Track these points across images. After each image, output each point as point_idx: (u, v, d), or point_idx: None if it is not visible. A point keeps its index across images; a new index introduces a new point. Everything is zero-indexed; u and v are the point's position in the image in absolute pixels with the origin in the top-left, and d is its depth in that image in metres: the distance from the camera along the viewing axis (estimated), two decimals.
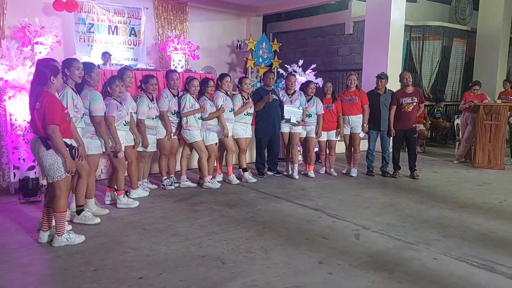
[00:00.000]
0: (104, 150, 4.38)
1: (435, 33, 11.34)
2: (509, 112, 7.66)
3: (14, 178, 5.10)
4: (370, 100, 6.49)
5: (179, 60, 9.84)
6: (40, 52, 7.75)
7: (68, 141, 3.59)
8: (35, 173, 5.12)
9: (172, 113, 5.50)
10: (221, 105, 5.70)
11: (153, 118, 5.27)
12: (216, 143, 5.85)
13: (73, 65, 3.90)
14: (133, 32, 9.68)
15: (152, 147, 5.37)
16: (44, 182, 5.15)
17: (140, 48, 9.81)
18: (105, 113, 4.34)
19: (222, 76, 5.97)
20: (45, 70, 3.45)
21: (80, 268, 3.24)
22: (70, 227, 3.93)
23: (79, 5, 8.85)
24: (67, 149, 3.51)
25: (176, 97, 5.55)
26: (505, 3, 10.99)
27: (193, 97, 5.53)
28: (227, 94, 5.89)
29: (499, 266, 3.37)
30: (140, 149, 5.20)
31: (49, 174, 3.53)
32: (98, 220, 4.25)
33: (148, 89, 5.22)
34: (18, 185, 5.02)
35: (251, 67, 10.83)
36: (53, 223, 3.74)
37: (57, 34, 8.20)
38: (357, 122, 6.49)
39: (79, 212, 4.24)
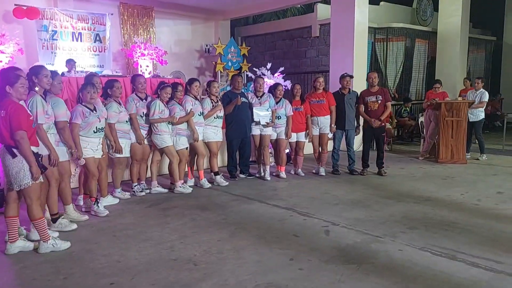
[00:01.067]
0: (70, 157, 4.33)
1: (398, 35, 11.72)
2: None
3: None
4: (336, 100, 6.65)
5: (147, 66, 9.76)
6: (1, 61, 7.54)
7: (34, 149, 3.56)
8: (1, 184, 4.97)
9: (140, 115, 5.47)
10: (191, 109, 5.71)
11: (126, 121, 5.24)
12: (187, 148, 5.85)
13: (41, 72, 3.92)
14: (98, 39, 9.54)
15: (127, 152, 5.32)
16: None
17: (105, 55, 9.67)
18: (70, 119, 4.32)
19: (191, 81, 6.00)
20: (2, 79, 3.45)
21: (48, 278, 3.19)
22: (56, 234, 3.97)
23: (40, 12, 8.66)
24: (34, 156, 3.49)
25: (144, 100, 5.53)
26: (463, 5, 11.45)
27: (162, 103, 5.52)
28: (196, 98, 5.92)
29: (460, 254, 3.53)
30: (116, 155, 5.15)
31: (16, 182, 3.50)
32: (75, 226, 4.25)
33: (114, 93, 5.18)
34: None
35: (220, 71, 10.86)
36: (21, 232, 3.74)
37: (18, 42, 8.00)
38: (325, 123, 6.63)
39: (54, 220, 4.21)
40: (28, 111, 3.61)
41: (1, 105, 3.42)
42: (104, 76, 7.33)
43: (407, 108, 10.90)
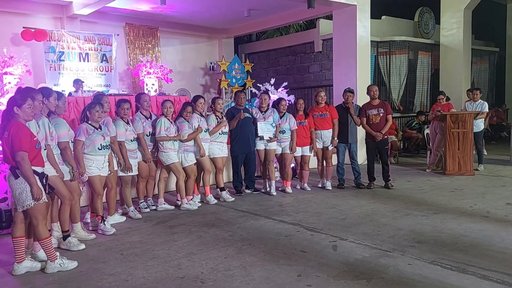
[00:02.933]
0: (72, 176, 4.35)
1: (401, 47, 11.78)
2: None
3: None
4: (339, 114, 6.67)
5: (153, 84, 9.88)
6: (9, 82, 7.66)
7: (38, 169, 3.60)
8: (8, 204, 5.00)
9: (146, 135, 5.53)
10: (198, 125, 5.77)
11: (131, 140, 5.29)
12: (195, 163, 5.88)
13: (52, 95, 4.10)
14: (104, 59, 9.68)
15: (134, 170, 5.37)
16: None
17: (112, 74, 9.80)
18: (74, 136, 4.44)
19: (196, 98, 6.08)
20: (11, 100, 3.56)
21: None
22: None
23: (48, 34, 8.82)
24: (36, 176, 3.53)
25: (149, 119, 5.59)
26: (464, 17, 11.56)
27: (168, 119, 5.57)
28: (201, 115, 5.97)
29: (470, 267, 3.49)
30: (124, 173, 5.19)
31: (18, 203, 3.55)
32: (83, 246, 4.24)
33: (120, 113, 5.26)
34: None
35: (225, 88, 10.95)
36: (27, 252, 3.76)
37: (26, 64, 8.14)
38: (329, 136, 6.63)
39: (65, 237, 4.26)
40: (33, 132, 3.64)
41: (6, 126, 3.50)
42: (110, 95, 7.42)
43: (421, 122, 10.84)
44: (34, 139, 3.59)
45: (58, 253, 3.77)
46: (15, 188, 3.52)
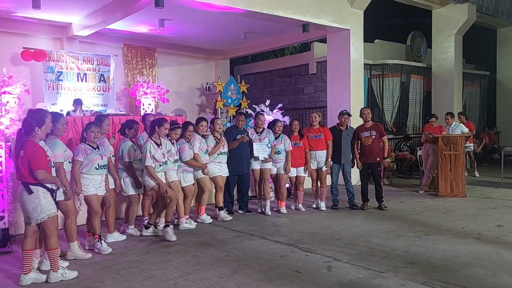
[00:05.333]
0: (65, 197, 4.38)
1: (394, 70, 12.06)
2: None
3: None
4: (333, 135, 6.80)
5: (149, 104, 10.00)
6: (8, 102, 7.72)
7: (49, 185, 3.87)
8: (4, 223, 5.03)
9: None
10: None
11: (139, 160, 5.37)
12: (193, 184, 5.95)
13: (60, 121, 4.36)
14: (102, 79, 9.81)
15: (140, 189, 5.50)
16: (13, 232, 5.13)
17: (109, 94, 9.92)
18: (72, 157, 4.56)
19: (199, 120, 6.19)
20: (31, 120, 3.82)
21: None
22: (66, 263, 4.21)
23: (47, 54, 8.96)
24: (47, 192, 3.83)
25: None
26: (455, 41, 11.87)
27: (155, 144, 5.25)
28: (203, 137, 6.07)
29: None
30: (130, 192, 5.35)
31: (32, 217, 3.81)
32: (75, 274, 4.06)
33: (130, 133, 5.49)
34: None
35: (220, 108, 11.10)
36: (35, 265, 4.01)
37: (25, 83, 8.23)
38: (323, 157, 6.74)
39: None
40: (46, 152, 3.89)
41: (22, 145, 3.75)
42: (109, 115, 7.51)
43: (407, 144, 11.05)
44: (47, 158, 3.86)
45: (60, 264, 3.99)
46: (29, 203, 3.77)
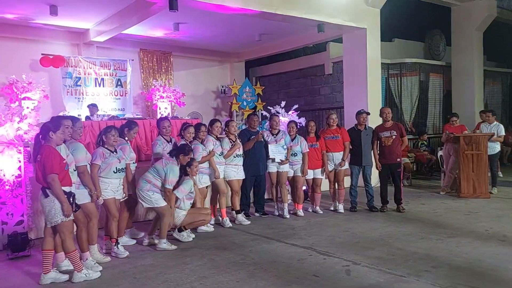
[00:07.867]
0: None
1: (412, 69, 11.82)
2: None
3: (2, 233, 5.05)
4: (351, 136, 6.68)
5: (165, 108, 10.05)
6: (28, 107, 7.89)
7: (67, 188, 3.94)
8: (24, 227, 5.09)
9: None
10: (212, 149, 5.83)
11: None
12: (207, 186, 5.92)
13: (76, 124, 4.44)
14: (119, 83, 9.92)
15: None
16: (33, 236, 5.20)
17: (126, 98, 10.02)
18: (90, 160, 4.54)
19: (213, 122, 6.16)
20: (48, 125, 3.96)
21: None
22: (108, 258, 4.52)
23: (66, 60, 9.10)
24: (65, 196, 3.87)
25: (169, 143, 5.67)
26: (475, 38, 11.59)
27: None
28: (217, 138, 6.04)
29: None
30: (162, 204, 5.04)
31: (48, 219, 3.93)
32: (98, 274, 4.13)
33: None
34: (7, 240, 4.97)
35: (236, 111, 11.09)
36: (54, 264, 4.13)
37: (44, 89, 8.38)
38: (340, 159, 6.63)
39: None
40: (62, 155, 3.97)
41: (39, 150, 3.88)
42: (124, 118, 7.57)
43: (424, 142, 10.82)
44: (64, 162, 3.93)
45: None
46: (45, 206, 3.90)
